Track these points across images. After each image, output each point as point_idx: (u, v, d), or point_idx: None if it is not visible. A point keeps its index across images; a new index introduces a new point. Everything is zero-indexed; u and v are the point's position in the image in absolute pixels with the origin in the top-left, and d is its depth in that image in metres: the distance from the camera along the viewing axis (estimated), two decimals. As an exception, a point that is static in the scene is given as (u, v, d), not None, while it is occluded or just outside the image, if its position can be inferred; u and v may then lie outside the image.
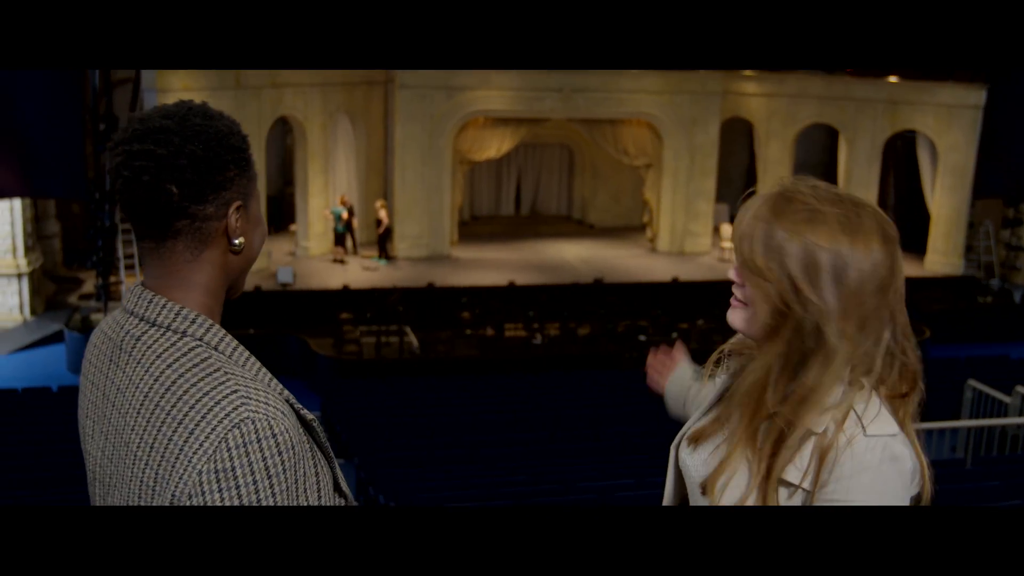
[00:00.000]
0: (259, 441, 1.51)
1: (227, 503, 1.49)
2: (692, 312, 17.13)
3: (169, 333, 1.63)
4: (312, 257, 19.48)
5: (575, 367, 15.52)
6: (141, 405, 1.59)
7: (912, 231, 21.65)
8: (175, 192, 1.59)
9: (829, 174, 22.65)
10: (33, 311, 17.72)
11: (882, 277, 1.70)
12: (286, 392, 1.68)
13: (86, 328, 16.36)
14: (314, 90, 18.83)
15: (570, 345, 16.67)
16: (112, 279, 17.38)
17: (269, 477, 1.51)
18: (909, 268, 20.11)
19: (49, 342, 16.91)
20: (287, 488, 1.53)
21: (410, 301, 17.13)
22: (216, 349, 1.63)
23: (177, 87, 16.40)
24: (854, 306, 1.69)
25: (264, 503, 1.51)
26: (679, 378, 2.72)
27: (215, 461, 1.49)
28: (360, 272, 18.84)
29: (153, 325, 1.64)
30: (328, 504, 1.71)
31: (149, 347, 1.62)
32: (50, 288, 18.77)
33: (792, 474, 1.72)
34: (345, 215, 19.31)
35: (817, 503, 1.71)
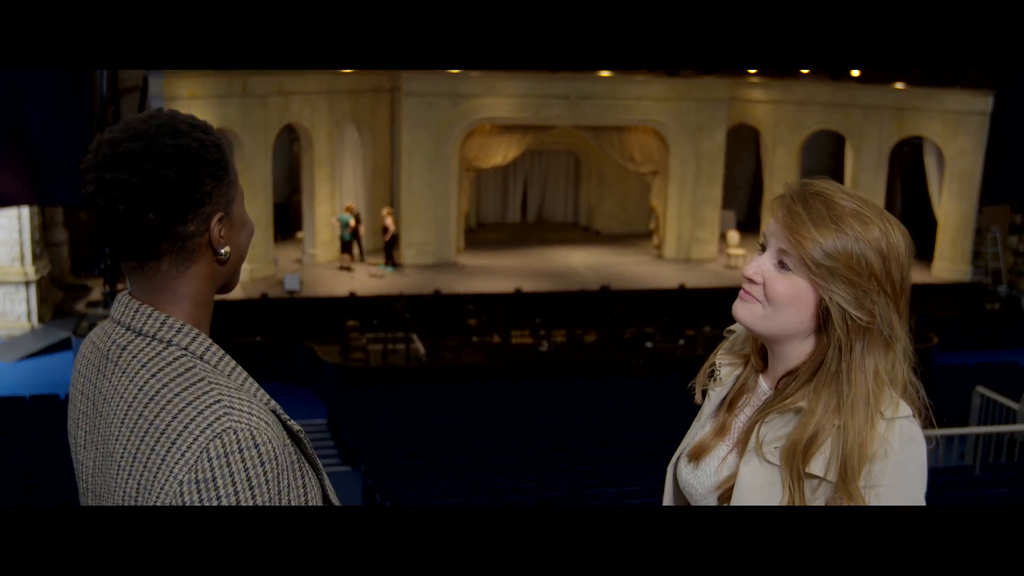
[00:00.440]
0: (241, 451, 1.50)
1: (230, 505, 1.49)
2: (699, 319, 17.12)
3: (155, 343, 1.62)
4: (319, 264, 19.50)
5: (582, 374, 15.51)
6: (125, 415, 1.58)
7: (919, 238, 21.56)
8: (153, 218, 1.58)
9: (836, 181, 22.58)
10: (41, 319, 17.76)
11: (909, 273, 1.77)
12: (272, 402, 1.67)
13: (93, 335, 16.36)
14: (321, 98, 18.86)
15: (577, 352, 16.66)
16: (119, 286, 17.41)
17: (251, 488, 1.50)
18: (916, 275, 20.07)
19: (57, 350, 16.94)
20: (269, 499, 1.53)
21: (416, 308, 17.14)
22: (202, 359, 1.62)
23: (184, 95, 16.43)
24: (902, 299, 1.76)
25: None
26: None
27: (196, 471, 1.49)
28: (366, 279, 18.85)
29: (139, 335, 1.63)
30: None
31: (135, 356, 1.62)
32: (58, 295, 18.82)
33: (816, 467, 1.72)
34: (352, 222, 19.32)
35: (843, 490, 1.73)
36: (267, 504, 1.52)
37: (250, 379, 1.67)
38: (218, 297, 1.75)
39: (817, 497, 1.74)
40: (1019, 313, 19.79)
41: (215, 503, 1.48)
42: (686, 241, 21.49)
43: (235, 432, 1.51)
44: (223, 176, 1.66)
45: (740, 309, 1.84)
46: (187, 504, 1.48)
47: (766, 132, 22.14)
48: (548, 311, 17.54)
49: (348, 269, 19.29)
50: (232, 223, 1.69)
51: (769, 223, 1.84)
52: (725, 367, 1.99)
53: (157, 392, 1.56)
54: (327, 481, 1.77)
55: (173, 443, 1.51)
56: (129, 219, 1.58)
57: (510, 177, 24.26)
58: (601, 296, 18.45)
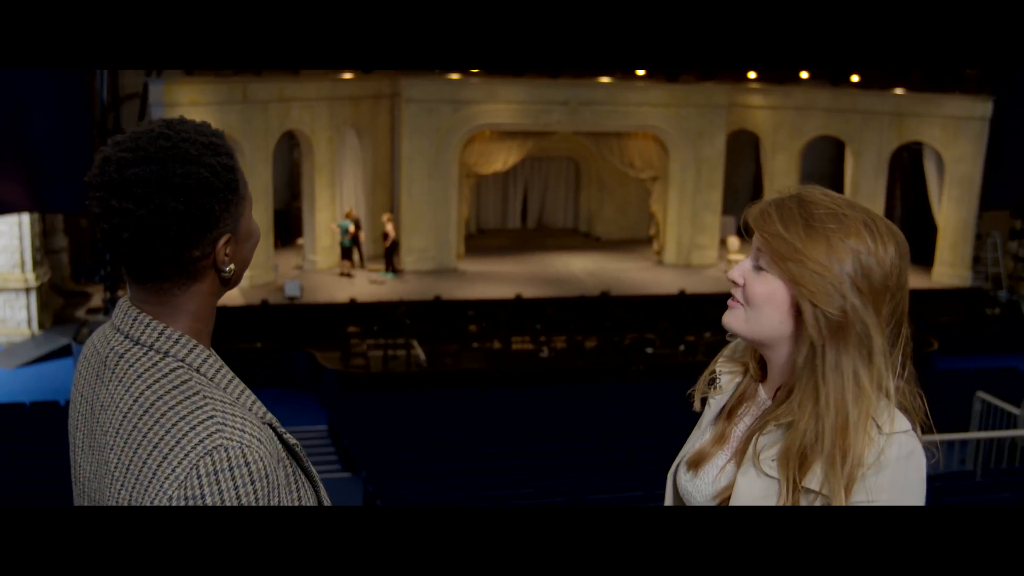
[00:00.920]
0: (231, 469, 1.49)
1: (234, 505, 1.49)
2: (699, 325, 17.11)
3: (152, 353, 1.61)
4: (319, 271, 19.50)
5: (582, 380, 15.51)
6: (120, 425, 1.58)
7: (919, 243, 21.60)
8: (158, 246, 1.56)
9: (835, 186, 22.53)
10: (41, 325, 17.76)
11: (897, 279, 1.74)
12: (269, 416, 1.66)
13: (94, 342, 16.37)
14: (321, 104, 18.88)
15: (577, 358, 16.65)
16: (120, 293, 17.41)
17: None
18: (917, 280, 20.18)
19: (57, 356, 16.94)
20: (270, 506, 1.52)
21: (417, 314, 17.14)
22: (198, 371, 1.61)
23: (185, 101, 16.45)
24: (880, 301, 1.73)
25: None
26: None
27: (186, 488, 1.48)
28: (367, 286, 18.85)
29: (137, 344, 1.62)
30: None
31: (131, 366, 1.61)
32: (58, 302, 18.82)
33: (812, 481, 1.72)
34: (352, 229, 19.33)
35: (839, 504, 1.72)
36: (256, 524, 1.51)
37: (247, 391, 1.66)
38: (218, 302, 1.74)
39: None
40: (1019, 318, 19.79)
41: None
42: (686, 247, 21.49)
43: (226, 450, 1.50)
44: (233, 198, 1.63)
45: (726, 316, 1.86)
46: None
47: (766, 138, 22.16)
48: (548, 317, 17.55)
49: (348, 275, 19.29)
50: (239, 238, 1.67)
51: (752, 223, 1.85)
52: (725, 375, 1.99)
53: (152, 404, 1.56)
54: (323, 492, 1.76)
55: (164, 457, 1.51)
56: (133, 245, 1.56)
57: (510, 183, 24.27)
58: (601, 302, 18.45)
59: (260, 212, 17.72)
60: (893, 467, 1.70)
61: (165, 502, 1.48)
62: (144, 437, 1.54)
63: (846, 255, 1.71)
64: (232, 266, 1.66)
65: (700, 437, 1.98)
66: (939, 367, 16.79)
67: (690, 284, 19.50)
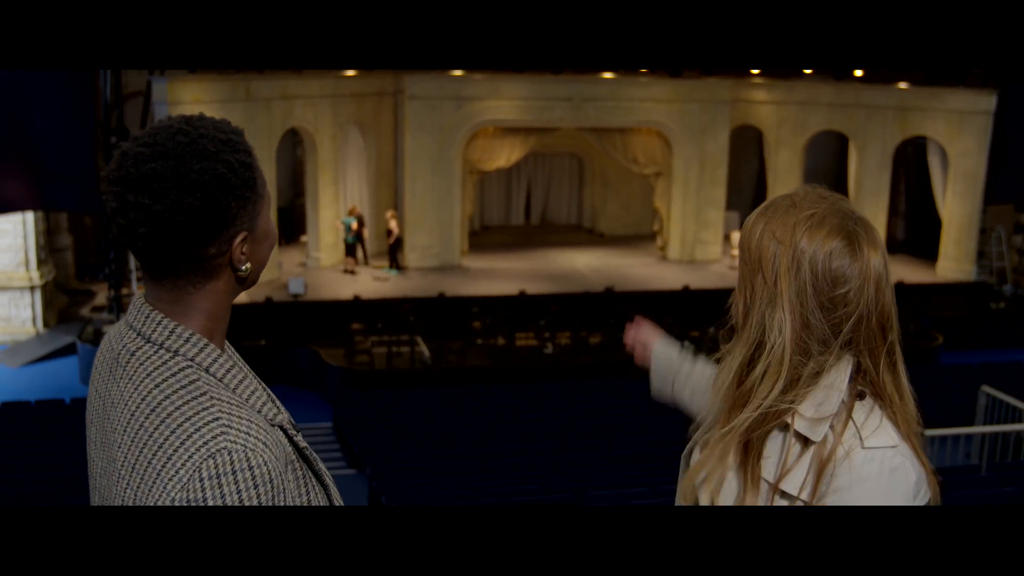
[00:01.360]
0: (234, 473, 1.48)
1: (248, 506, 1.48)
2: (703, 320, 17.10)
3: (162, 351, 1.60)
4: (323, 268, 19.52)
5: (586, 376, 15.50)
6: (128, 423, 1.57)
7: (924, 237, 21.60)
8: (174, 242, 1.56)
9: (839, 181, 22.60)
10: (46, 324, 17.79)
11: (842, 280, 1.70)
12: (280, 417, 1.65)
13: (98, 340, 16.40)
14: (324, 102, 18.89)
15: (581, 354, 16.65)
16: (124, 291, 17.42)
17: None
18: (921, 274, 20.20)
19: (62, 355, 16.97)
20: (287, 506, 1.53)
21: (421, 311, 17.14)
22: (207, 371, 1.61)
23: (188, 100, 16.45)
24: (803, 303, 1.70)
25: None
26: (664, 355, 2.73)
27: (188, 491, 1.47)
28: (371, 283, 18.86)
29: (148, 341, 1.62)
30: None
31: (141, 364, 1.60)
32: (62, 301, 18.85)
33: (791, 485, 1.71)
34: (355, 226, 19.34)
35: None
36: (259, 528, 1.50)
37: (258, 392, 1.65)
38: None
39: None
40: (1024, 312, 19.78)
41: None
42: (690, 243, 21.48)
43: (229, 453, 1.49)
44: (250, 196, 1.62)
45: None
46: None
47: (769, 133, 22.13)
48: (552, 313, 17.54)
49: (352, 272, 19.30)
50: (255, 238, 1.67)
51: None
52: None
53: (159, 404, 1.55)
54: (335, 495, 1.76)
55: (169, 458, 1.50)
56: (149, 241, 1.56)
57: (514, 180, 24.28)
58: (605, 298, 18.45)
59: (264, 210, 17.72)
60: (873, 482, 1.67)
61: (168, 503, 1.48)
62: (150, 436, 1.53)
63: (770, 253, 1.73)
64: (248, 265, 1.66)
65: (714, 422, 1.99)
66: (944, 362, 16.78)
67: (694, 280, 19.49)
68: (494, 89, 19.92)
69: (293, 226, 21.48)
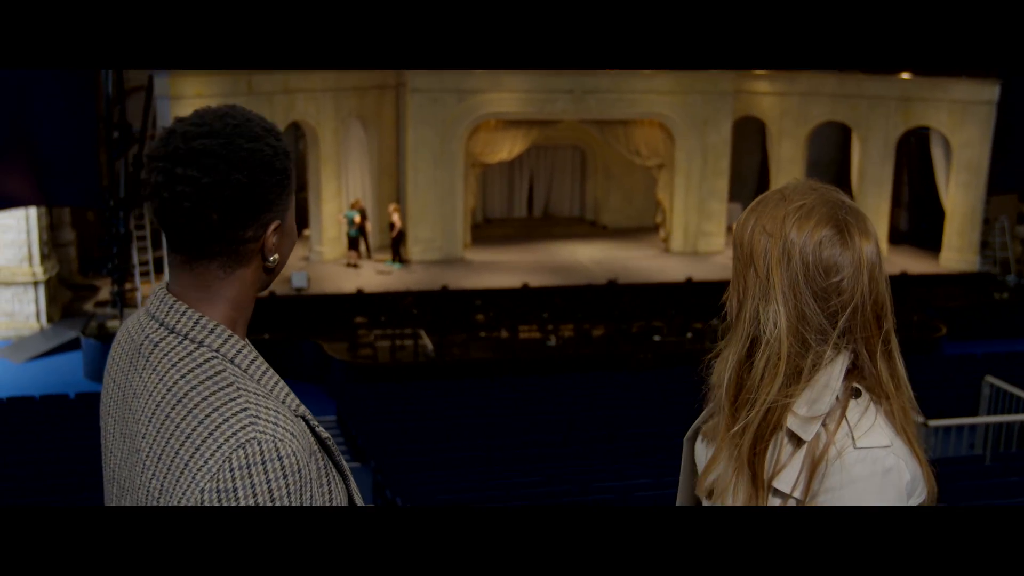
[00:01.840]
0: (264, 463, 1.49)
1: (258, 505, 1.49)
2: (706, 312, 17.09)
3: (187, 342, 1.61)
4: (326, 261, 19.53)
5: (590, 368, 15.51)
6: (153, 414, 1.58)
7: (927, 228, 21.58)
8: (216, 220, 1.58)
9: (842, 172, 22.57)
10: (50, 319, 17.81)
11: (834, 270, 1.70)
12: (302, 408, 1.66)
13: (102, 335, 16.42)
14: (326, 95, 18.88)
15: (584, 346, 16.66)
16: (128, 286, 17.44)
17: (272, 500, 1.49)
18: (925, 265, 20.18)
19: (66, 349, 16.99)
20: (299, 506, 1.52)
21: (424, 304, 17.15)
22: (232, 362, 1.61)
23: (190, 94, 16.45)
24: (796, 294, 1.70)
25: None
26: None
27: (218, 480, 1.48)
28: (374, 276, 18.87)
29: (172, 332, 1.63)
30: None
31: (166, 354, 1.61)
32: (66, 296, 18.87)
33: (783, 483, 1.71)
34: (358, 219, 19.35)
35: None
36: None
37: (281, 383, 1.66)
38: None
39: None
40: (1028, 302, 19.76)
41: None
42: (693, 234, 21.47)
43: (259, 443, 1.50)
44: (286, 185, 1.66)
45: None
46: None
47: (772, 124, 22.10)
48: (555, 306, 17.55)
49: (355, 266, 19.31)
50: (284, 230, 1.69)
51: None
52: None
53: (185, 394, 1.56)
54: (353, 486, 1.77)
55: (197, 449, 1.51)
56: (192, 216, 1.57)
57: (516, 172, 24.26)
58: (608, 290, 18.45)
59: (266, 204, 17.73)
60: (864, 482, 1.66)
61: (197, 493, 1.48)
62: (177, 427, 1.54)
63: (761, 247, 1.73)
64: (276, 256, 1.68)
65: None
66: (947, 352, 16.77)
67: (697, 272, 19.49)
68: (496, 82, 19.90)
69: (296, 220, 21.46)
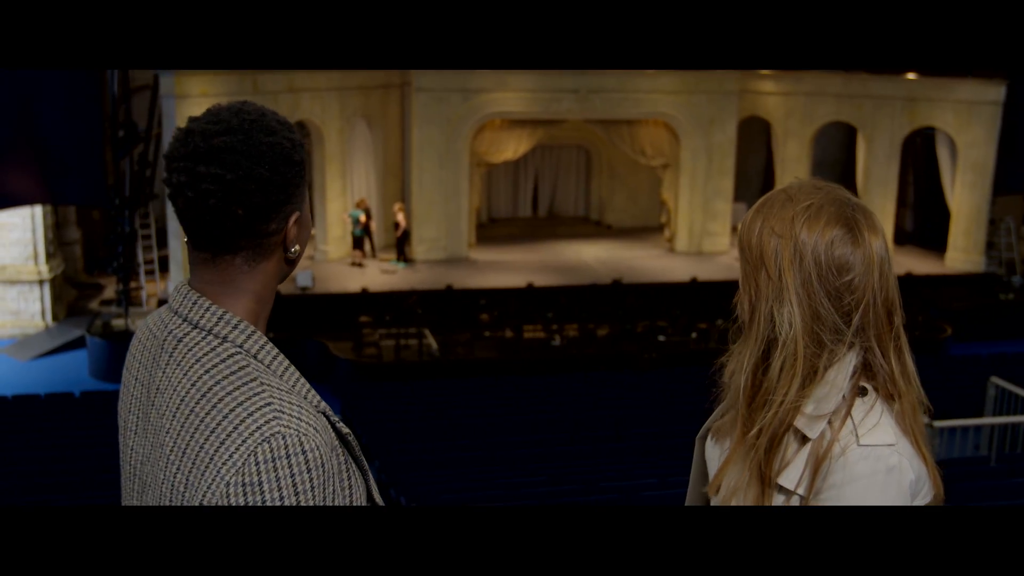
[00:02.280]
0: (288, 457, 1.51)
1: (261, 506, 1.50)
2: (711, 312, 17.09)
3: (210, 337, 1.63)
4: (331, 261, 19.54)
5: (594, 368, 15.51)
6: (177, 408, 1.60)
7: (932, 228, 21.55)
8: (241, 215, 1.60)
9: (847, 172, 22.55)
10: (55, 317, 17.83)
11: (846, 268, 1.71)
12: (323, 404, 1.68)
13: (107, 334, 16.45)
14: (331, 94, 18.88)
15: (589, 346, 16.66)
16: (133, 285, 17.48)
17: (296, 494, 1.51)
18: (930, 266, 20.14)
19: (71, 348, 17.02)
20: (315, 506, 1.53)
21: (429, 304, 17.16)
22: (255, 357, 1.63)
23: (195, 93, 16.47)
24: (810, 294, 1.70)
25: None
26: None
27: (243, 474, 1.49)
28: (378, 275, 18.88)
29: (195, 327, 1.65)
30: None
31: (190, 350, 1.63)
32: (71, 294, 18.90)
33: (787, 480, 1.72)
34: (363, 219, 19.35)
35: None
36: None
37: (302, 380, 1.68)
38: None
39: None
40: (1033, 303, 19.72)
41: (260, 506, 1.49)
42: (698, 234, 21.45)
43: (283, 437, 1.51)
44: (303, 176, 1.69)
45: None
46: (232, 505, 1.49)
47: (777, 124, 22.08)
48: (560, 305, 17.54)
49: (360, 265, 19.32)
50: (302, 221, 1.72)
51: None
52: None
53: (209, 389, 1.58)
54: (372, 481, 1.78)
55: (222, 443, 1.52)
56: (218, 213, 1.60)
57: (521, 172, 24.26)
58: (613, 290, 18.44)
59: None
60: (867, 480, 1.66)
61: (223, 487, 1.50)
62: (201, 422, 1.55)
63: (771, 247, 1.73)
64: (297, 247, 1.71)
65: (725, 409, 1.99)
66: (953, 353, 16.74)
67: (702, 271, 19.47)
68: (501, 81, 19.90)
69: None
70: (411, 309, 16.75)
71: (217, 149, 1.58)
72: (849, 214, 1.72)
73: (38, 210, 17.29)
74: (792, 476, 1.71)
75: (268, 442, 1.50)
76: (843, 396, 1.71)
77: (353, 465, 1.71)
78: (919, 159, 22.22)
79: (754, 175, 24.36)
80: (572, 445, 10.75)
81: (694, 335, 16.97)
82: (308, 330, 16.45)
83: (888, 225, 20.51)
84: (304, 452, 1.52)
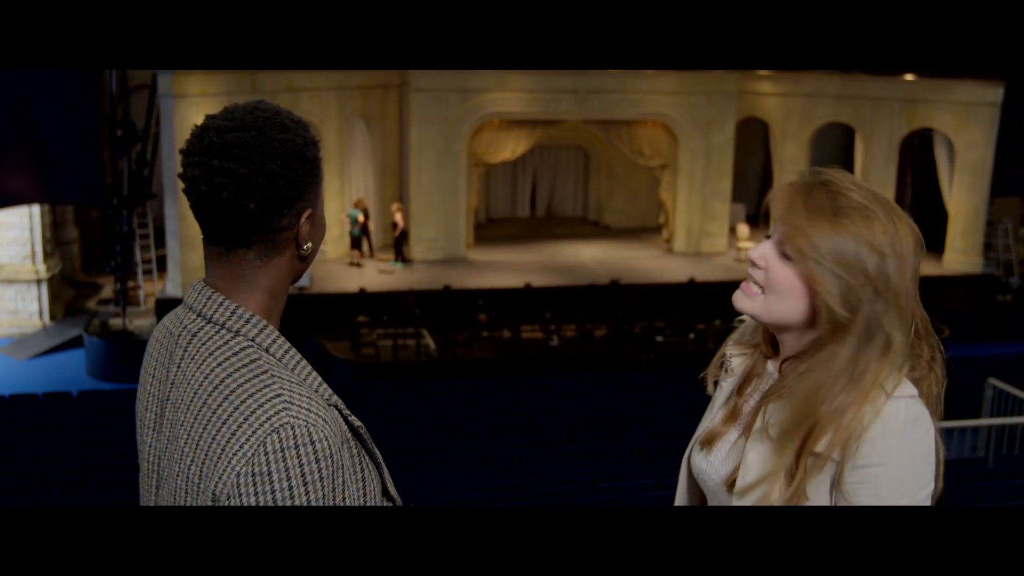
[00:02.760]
0: (297, 447, 1.52)
1: (262, 506, 1.51)
2: (709, 313, 17.10)
3: (223, 331, 1.66)
4: (329, 261, 19.52)
5: (592, 368, 15.51)
6: (191, 401, 1.62)
7: (930, 230, 21.48)
8: (253, 209, 1.63)
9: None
10: (52, 317, 17.83)
11: (913, 272, 1.77)
12: (335, 398, 1.70)
13: (105, 333, 16.44)
14: (330, 94, 18.88)
15: (587, 346, 16.66)
16: (130, 284, 17.47)
17: (305, 484, 1.52)
18: (928, 267, 20.09)
19: (68, 347, 17.01)
20: (323, 496, 1.55)
21: (427, 304, 17.15)
22: (267, 351, 1.66)
23: (194, 92, 16.46)
24: (900, 296, 1.76)
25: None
26: None
27: (253, 464, 1.52)
28: (376, 275, 18.88)
29: (209, 322, 1.68)
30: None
31: (203, 344, 1.66)
32: (69, 294, 18.89)
33: (821, 445, 1.73)
34: (361, 218, 19.34)
35: (848, 471, 1.73)
36: (320, 501, 1.54)
37: (314, 373, 1.71)
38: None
39: (815, 474, 1.75)
40: (1031, 304, 19.73)
41: (269, 497, 1.51)
42: (696, 235, 21.45)
43: (292, 428, 1.53)
44: (317, 174, 1.72)
45: (740, 300, 1.87)
46: (243, 495, 1.52)
47: (776, 125, 22.09)
48: (558, 306, 17.54)
49: (358, 265, 19.32)
50: (315, 220, 1.74)
51: (777, 210, 1.84)
52: (736, 357, 2.00)
53: (221, 381, 1.60)
54: (387, 474, 1.81)
55: (233, 434, 1.55)
56: (230, 207, 1.63)
57: (519, 172, 24.25)
58: (611, 290, 18.45)
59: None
60: (901, 431, 1.73)
61: (233, 478, 1.52)
62: (213, 413, 1.58)
63: (869, 257, 1.72)
64: (310, 244, 1.73)
65: (712, 418, 1.99)
66: (950, 354, 16.65)
67: (700, 272, 19.48)
68: (500, 82, 19.90)
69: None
70: (409, 309, 16.75)
71: (230, 144, 1.61)
72: (910, 221, 1.79)
73: (36, 209, 17.28)
74: (825, 441, 1.74)
75: (277, 432, 1.52)
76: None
77: (367, 458, 1.74)
78: (917, 160, 22.23)
79: (752, 176, 24.37)
80: (570, 445, 10.75)
81: (692, 335, 16.98)
82: (306, 330, 16.43)
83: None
84: (313, 443, 1.53)
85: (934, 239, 20.93)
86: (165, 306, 16.82)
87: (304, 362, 1.71)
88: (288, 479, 1.51)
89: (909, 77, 20.50)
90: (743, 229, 21.45)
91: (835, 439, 1.72)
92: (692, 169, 21.18)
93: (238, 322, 1.66)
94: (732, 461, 1.88)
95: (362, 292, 17.47)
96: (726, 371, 2.00)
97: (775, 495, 1.76)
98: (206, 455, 1.57)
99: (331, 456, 1.56)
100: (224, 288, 1.70)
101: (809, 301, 1.77)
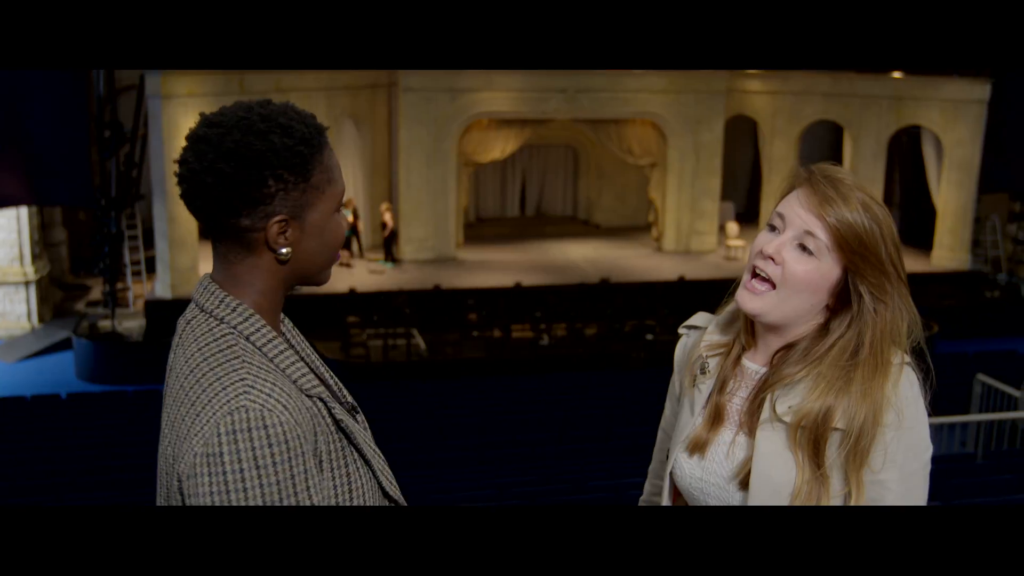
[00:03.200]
0: (249, 431, 1.53)
1: (215, 488, 1.51)
2: (699, 311, 17.10)
3: (211, 319, 1.70)
4: (318, 261, 19.46)
5: (582, 367, 15.51)
6: (179, 386, 1.66)
7: (918, 227, 21.61)
8: (200, 204, 1.66)
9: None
10: (41, 318, 17.76)
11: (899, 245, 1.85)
12: (318, 390, 1.71)
13: (94, 335, 16.38)
14: (318, 95, 18.84)
15: (577, 345, 16.66)
16: (119, 286, 17.40)
17: (257, 468, 1.52)
18: (916, 264, 20.21)
19: (57, 349, 16.94)
20: (277, 482, 1.53)
21: (417, 303, 17.14)
22: (247, 339, 1.68)
23: (182, 93, 16.41)
24: (902, 273, 1.83)
25: (250, 493, 1.51)
26: None
27: (208, 445, 1.53)
28: (366, 275, 18.85)
29: (202, 311, 1.72)
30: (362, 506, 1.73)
31: (193, 331, 1.70)
32: (57, 295, 18.81)
33: (842, 421, 1.74)
34: (350, 219, 19.31)
35: (867, 443, 1.76)
36: (273, 486, 1.53)
37: (300, 367, 1.72)
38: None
39: (833, 451, 1.76)
40: (1019, 301, 19.80)
41: (221, 479, 1.51)
42: (685, 233, 21.48)
43: (247, 411, 1.54)
44: (295, 181, 1.67)
45: (748, 299, 1.84)
46: (198, 476, 1.52)
47: (764, 123, 22.13)
48: (548, 305, 17.54)
49: (348, 265, 19.29)
50: (304, 227, 1.71)
51: (788, 205, 1.82)
52: (712, 358, 1.99)
53: (197, 365, 1.64)
54: (386, 474, 1.84)
55: (197, 415, 1.57)
56: (187, 198, 1.67)
57: (508, 171, 24.25)
58: (601, 289, 18.45)
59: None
60: (916, 399, 1.80)
61: (192, 458, 1.54)
62: (187, 396, 1.62)
63: (881, 240, 1.78)
64: (288, 250, 1.70)
65: (691, 423, 1.97)
66: (939, 350, 16.79)
67: (690, 270, 19.50)
68: (488, 81, 19.89)
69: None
70: (399, 309, 16.73)
71: (198, 138, 1.64)
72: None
73: (23, 211, 17.20)
74: (845, 417, 1.77)
75: (231, 415, 1.54)
76: None
77: (354, 453, 1.74)
78: (905, 158, 22.30)
79: (741, 174, 24.42)
80: (560, 445, 10.75)
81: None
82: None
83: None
84: (265, 427, 1.53)
85: (922, 236, 21.01)
86: (154, 308, 16.78)
87: (288, 352, 1.71)
88: (239, 461, 1.52)
89: (897, 75, 20.55)
90: (732, 227, 21.48)
91: (856, 414, 1.75)
92: (681, 167, 21.20)
93: (224, 310, 1.69)
94: (737, 459, 1.87)
95: (352, 292, 17.45)
96: (704, 372, 1.99)
97: (797, 478, 1.76)
98: (178, 436, 1.60)
99: (286, 443, 1.55)
100: (221, 283, 1.73)
101: (828, 295, 1.79)
